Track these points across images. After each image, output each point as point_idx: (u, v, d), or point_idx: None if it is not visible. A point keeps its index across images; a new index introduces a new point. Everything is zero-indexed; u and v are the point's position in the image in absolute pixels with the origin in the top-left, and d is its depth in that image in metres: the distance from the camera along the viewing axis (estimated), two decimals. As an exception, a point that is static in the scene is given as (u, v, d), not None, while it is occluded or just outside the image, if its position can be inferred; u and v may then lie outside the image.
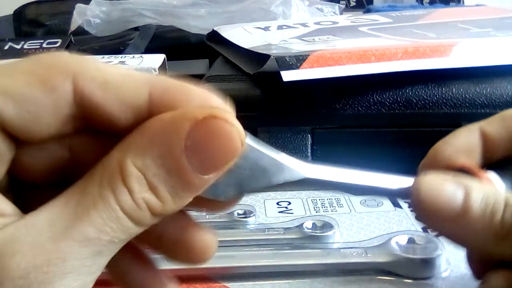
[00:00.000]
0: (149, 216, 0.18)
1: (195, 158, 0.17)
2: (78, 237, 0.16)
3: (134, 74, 0.19)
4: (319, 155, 0.45)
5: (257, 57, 0.48)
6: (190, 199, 0.18)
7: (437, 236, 0.22)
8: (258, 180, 0.19)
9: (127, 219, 0.17)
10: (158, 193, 0.17)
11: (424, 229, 0.35)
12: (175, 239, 0.21)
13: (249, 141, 0.19)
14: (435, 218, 0.21)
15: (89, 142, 0.19)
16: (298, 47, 0.52)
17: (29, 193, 0.19)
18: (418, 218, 0.22)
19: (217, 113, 0.17)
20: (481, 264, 0.24)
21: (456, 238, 0.21)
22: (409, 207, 0.38)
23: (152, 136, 0.18)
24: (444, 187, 0.21)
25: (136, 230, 0.18)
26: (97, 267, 0.17)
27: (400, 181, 0.22)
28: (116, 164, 0.17)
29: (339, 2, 0.98)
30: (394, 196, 0.22)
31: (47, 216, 0.17)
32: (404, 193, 0.22)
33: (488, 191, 0.21)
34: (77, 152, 0.19)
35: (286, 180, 0.20)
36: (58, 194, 0.17)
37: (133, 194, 0.17)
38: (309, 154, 0.45)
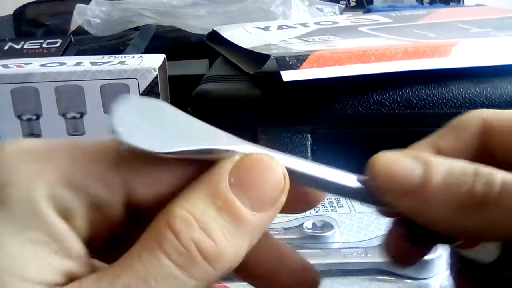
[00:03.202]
0: (202, 261, 0.16)
1: (243, 194, 0.17)
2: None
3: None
4: (319, 155, 0.45)
5: (257, 57, 0.48)
6: (247, 243, 0.17)
7: (396, 216, 0.20)
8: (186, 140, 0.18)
9: (174, 267, 0.16)
10: (209, 232, 0.16)
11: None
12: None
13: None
14: (392, 192, 0.19)
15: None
16: (298, 47, 0.52)
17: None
18: (374, 198, 0.19)
19: (253, 153, 0.18)
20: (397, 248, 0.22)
21: (417, 215, 0.19)
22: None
23: (196, 185, 0.17)
24: (401, 160, 0.19)
25: (191, 283, 0.16)
26: None
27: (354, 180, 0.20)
28: (163, 215, 0.17)
29: (339, 2, 0.98)
30: (348, 193, 0.20)
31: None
32: (358, 192, 0.19)
33: (453, 163, 0.19)
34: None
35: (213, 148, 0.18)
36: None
37: (179, 235, 0.16)
38: (309, 154, 0.45)
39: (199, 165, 0.18)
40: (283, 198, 0.18)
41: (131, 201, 0.18)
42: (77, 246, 0.17)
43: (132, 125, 0.17)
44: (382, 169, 0.19)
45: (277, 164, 0.18)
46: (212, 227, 0.16)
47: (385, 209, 0.20)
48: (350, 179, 0.19)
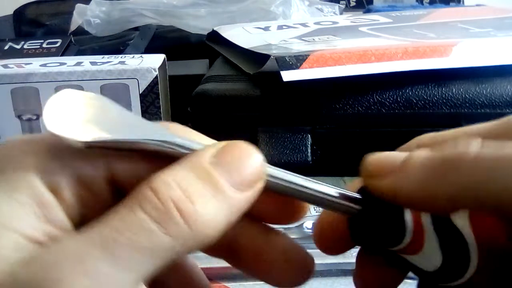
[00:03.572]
0: (179, 219, 0.17)
1: (223, 171, 0.18)
2: (97, 239, 0.16)
3: None
4: (319, 155, 0.45)
5: (257, 57, 0.48)
6: (224, 216, 0.18)
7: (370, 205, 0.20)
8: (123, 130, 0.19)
9: (150, 221, 0.16)
10: (189, 194, 0.17)
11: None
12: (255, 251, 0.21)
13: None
14: (377, 174, 0.19)
15: None
16: (298, 47, 0.52)
17: None
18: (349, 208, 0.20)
19: (237, 141, 0.19)
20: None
21: (397, 192, 0.19)
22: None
23: (180, 162, 0.18)
24: (388, 153, 0.20)
25: (166, 240, 0.16)
26: (125, 280, 0.16)
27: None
28: (145, 181, 0.17)
29: (339, 2, 0.98)
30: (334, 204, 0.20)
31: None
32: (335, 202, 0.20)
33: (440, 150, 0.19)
34: None
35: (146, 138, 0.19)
36: None
37: (158, 193, 0.17)
38: (309, 154, 0.45)
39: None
40: (260, 185, 0.19)
41: (114, 179, 0.19)
42: (62, 217, 0.18)
43: (63, 116, 0.18)
44: (371, 158, 0.20)
45: (257, 152, 0.19)
46: (191, 191, 0.17)
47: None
48: (328, 190, 0.20)
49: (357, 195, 0.20)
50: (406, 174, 0.19)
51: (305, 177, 0.20)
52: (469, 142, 0.18)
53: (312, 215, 0.39)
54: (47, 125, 0.18)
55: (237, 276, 0.32)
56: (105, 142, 0.18)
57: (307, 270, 0.22)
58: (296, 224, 0.37)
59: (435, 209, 0.19)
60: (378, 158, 0.20)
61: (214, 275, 0.32)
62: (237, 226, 0.19)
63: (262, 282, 0.32)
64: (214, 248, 0.21)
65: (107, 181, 0.19)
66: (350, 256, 0.32)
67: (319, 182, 0.20)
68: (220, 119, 0.46)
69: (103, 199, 0.19)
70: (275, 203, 0.21)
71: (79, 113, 0.19)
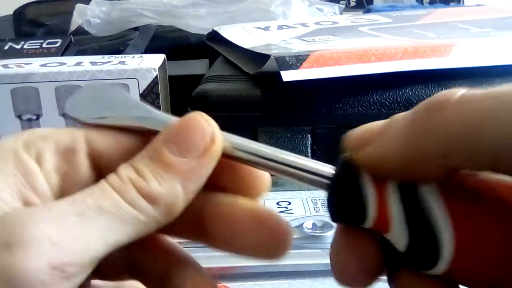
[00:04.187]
0: (135, 192, 0.19)
1: (172, 144, 0.19)
2: (69, 199, 0.18)
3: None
4: (319, 155, 0.45)
5: (257, 57, 0.48)
6: (180, 185, 0.19)
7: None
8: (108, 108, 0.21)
9: (111, 190, 0.18)
10: (141, 173, 0.19)
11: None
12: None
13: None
14: (357, 144, 0.18)
15: None
16: (298, 47, 0.52)
17: None
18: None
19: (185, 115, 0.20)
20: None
21: (378, 160, 0.18)
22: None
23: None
24: (368, 124, 0.19)
25: (129, 209, 0.18)
26: (86, 236, 0.18)
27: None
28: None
29: (339, 2, 0.98)
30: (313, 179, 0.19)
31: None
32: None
33: None
34: None
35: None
36: None
37: (119, 173, 0.19)
38: (309, 154, 0.45)
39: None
40: (215, 147, 0.20)
41: (95, 157, 0.21)
42: (44, 185, 0.19)
43: (80, 103, 0.22)
44: (351, 132, 0.19)
45: (202, 117, 0.20)
46: (144, 170, 0.19)
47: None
48: (298, 161, 0.20)
49: (329, 168, 0.19)
50: (388, 137, 0.17)
51: (273, 148, 0.20)
52: (451, 89, 0.17)
53: (312, 215, 0.39)
54: (65, 109, 0.22)
55: (237, 276, 0.32)
56: (97, 120, 0.21)
57: (282, 236, 0.21)
58: (296, 224, 0.37)
59: (425, 173, 0.17)
60: (358, 130, 0.19)
61: (214, 275, 0.32)
62: (202, 199, 0.20)
63: (261, 282, 0.32)
64: (184, 226, 0.21)
65: (88, 156, 0.20)
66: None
67: (291, 153, 0.20)
68: (220, 119, 0.46)
69: (83, 175, 0.20)
70: (237, 175, 0.21)
71: (96, 100, 0.22)
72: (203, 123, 0.20)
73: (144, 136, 0.21)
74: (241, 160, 0.20)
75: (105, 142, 0.21)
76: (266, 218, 0.21)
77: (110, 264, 0.21)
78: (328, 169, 0.19)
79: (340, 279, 0.19)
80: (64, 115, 0.23)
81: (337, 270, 0.19)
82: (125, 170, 0.19)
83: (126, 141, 0.21)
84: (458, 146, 0.16)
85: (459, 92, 0.16)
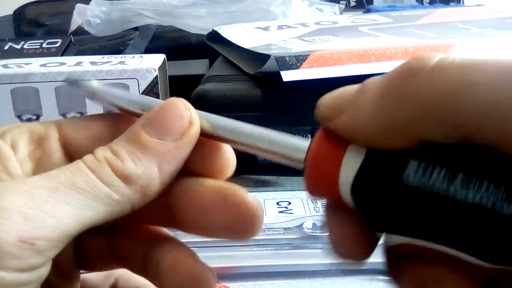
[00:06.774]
0: (110, 171, 0.19)
1: (149, 127, 0.20)
2: (45, 175, 0.18)
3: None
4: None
5: (257, 57, 0.48)
6: (155, 167, 0.19)
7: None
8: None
9: (86, 168, 0.19)
10: (118, 154, 0.19)
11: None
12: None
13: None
14: (331, 112, 0.18)
15: None
16: (298, 47, 0.52)
17: None
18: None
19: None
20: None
21: (354, 128, 0.17)
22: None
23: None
24: (340, 89, 0.18)
25: (104, 188, 0.18)
26: (61, 214, 0.18)
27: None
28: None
29: (339, 2, 0.98)
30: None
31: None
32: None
33: None
34: None
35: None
36: None
37: (95, 154, 0.19)
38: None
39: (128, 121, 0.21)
40: (192, 130, 0.20)
41: (67, 145, 0.21)
42: (17, 168, 0.20)
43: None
44: (323, 98, 0.19)
45: (181, 101, 0.20)
46: (120, 151, 0.19)
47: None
48: (274, 136, 0.19)
49: (305, 143, 0.19)
50: (362, 104, 0.17)
51: (251, 125, 0.20)
52: (427, 54, 0.16)
53: (312, 215, 0.39)
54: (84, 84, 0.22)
55: (237, 276, 0.32)
56: (102, 93, 0.22)
57: (250, 215, 0.20)
58: (296, 224, 0.37)
59: (397, 143, 0.16)
60: (331, 96, 0.18)
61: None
62: (172, 183, 0.20)
63: (261, 282, 0.32)
64: (155, 212, 0.21)
65: (60, 144, 0.21)
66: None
67: (270, 130, 0.19)
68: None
69: (56, 161, 0.21)
70: (205, 157, 0.21)
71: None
72: (181, 107, 0.20)
73: (121, 124, 0.21)
74: (220, 138, 0.20)
75: (77, 130, 0.21)
76: (233, 197, 0.20)
77: (95, 255, 0.22)
78: (307, 143, 0.19)
79: (342, 256, 0.19)
80: (75, 82, 0.23)
81: (335, 248, 0.19)
82: (101, 151, 0.20)
83: (99, 130, 0.22)
84: (432, 118, 0.15)
85: (434, 58, 0.16)
